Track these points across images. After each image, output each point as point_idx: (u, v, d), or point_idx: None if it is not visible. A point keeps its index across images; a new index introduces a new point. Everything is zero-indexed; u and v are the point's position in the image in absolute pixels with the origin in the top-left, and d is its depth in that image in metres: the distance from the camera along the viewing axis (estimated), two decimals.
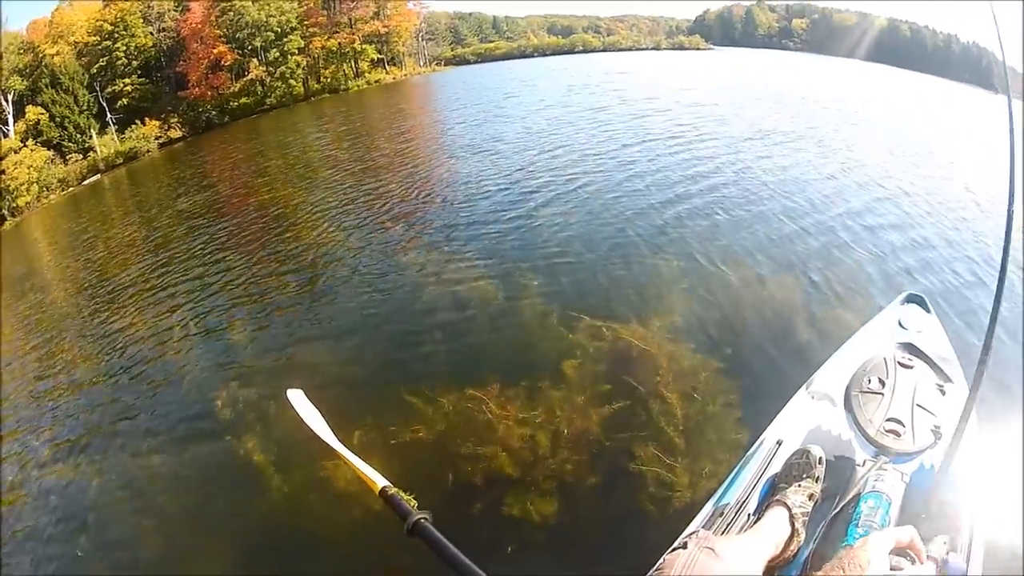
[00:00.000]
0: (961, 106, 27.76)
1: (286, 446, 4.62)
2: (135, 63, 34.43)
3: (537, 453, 3.99)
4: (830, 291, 6.09)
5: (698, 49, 57.92)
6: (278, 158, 18.71)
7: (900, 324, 3.18)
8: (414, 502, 1.47)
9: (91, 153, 28.70)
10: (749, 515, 2.13)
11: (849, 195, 9.43)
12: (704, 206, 8.75)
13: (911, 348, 2.94)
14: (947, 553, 1.80)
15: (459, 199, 10.32)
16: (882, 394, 2.58)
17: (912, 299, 3.49)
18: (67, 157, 27.90)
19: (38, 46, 31.59)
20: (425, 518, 1.37)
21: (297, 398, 2.11)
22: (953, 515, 1.91)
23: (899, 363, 2.74)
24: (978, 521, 1.99)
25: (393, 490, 1.52)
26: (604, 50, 55.74)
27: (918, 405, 2.49)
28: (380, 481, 1.57)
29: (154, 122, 31.67)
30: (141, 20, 35.24)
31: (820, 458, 2.19)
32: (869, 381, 2.66)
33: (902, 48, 59.68)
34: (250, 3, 35.61)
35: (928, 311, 3.37)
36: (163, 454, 5.09)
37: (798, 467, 2.18)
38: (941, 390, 2.61)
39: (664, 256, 7.06)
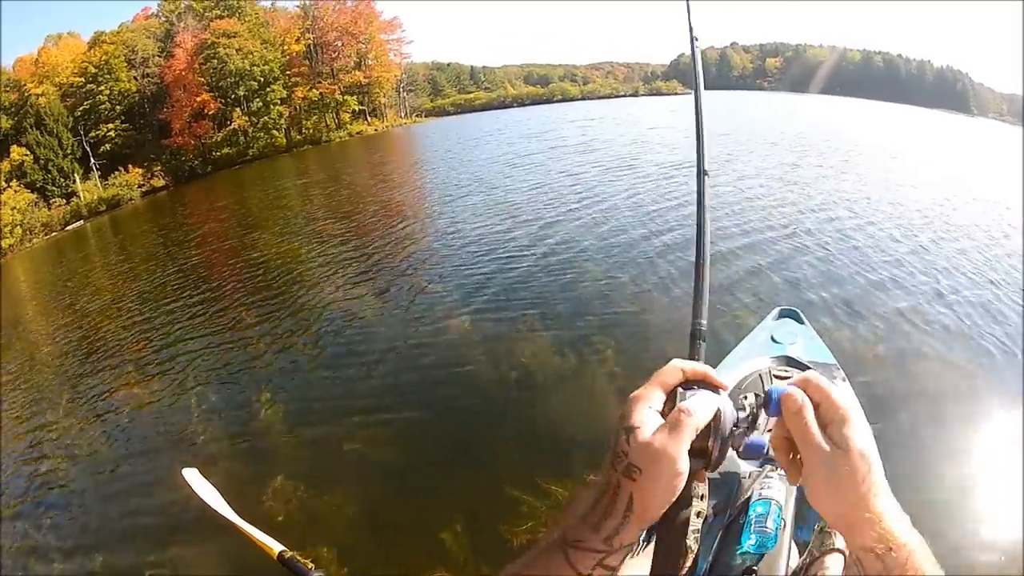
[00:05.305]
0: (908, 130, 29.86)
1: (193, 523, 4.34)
2: (119, 108, 34.99)
3: None
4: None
5: (675, 94, 58.64)
6: (266, 211, 18.79)
7: (773, 339, 3.23)
8: (311, 564, 1.50)
9: (74, 198, 28.91)
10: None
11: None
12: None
13: (788, 360, 2.92)
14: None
15: (466, 254, 10.16)
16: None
17: (785, 314, 3.55)
18: (50, 201, 28.05)
19: (24, 84, 31.94)
20: None
21: (192, 476, 2.12)
22: None
23: (775, 376, 2.69)
24: None
25: (290, 554, 1.55)
26: (583, 98, 56.73)
27: None
28: (277, 547, 1.60)
29: (137, 169, 31.98)
30: (125, 64, 35.84)
31: None
32: (745, 398, 2.93)
33: (874, 80, 61.69)
34: (234, 51, 36.34)
35: (802, 323, 3.48)
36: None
37: None
38: None
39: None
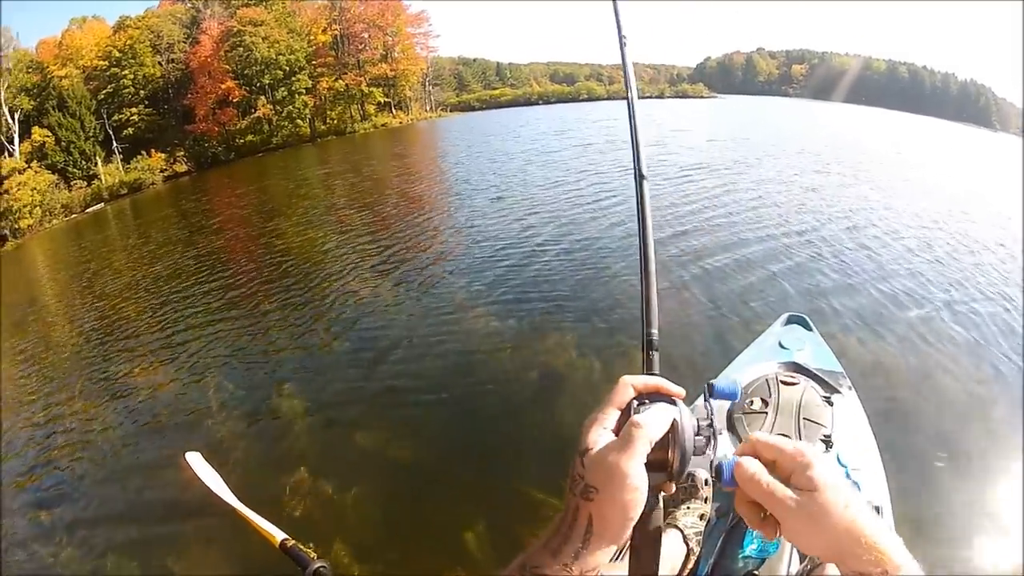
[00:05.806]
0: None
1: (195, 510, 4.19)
2: (143, 92, 34.82)
3: None
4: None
5: (701, 97, 58.44)
6: (287, 200, 18.57)
7: (781, 345, 3.29)
8: (313, 553, 1.47)
9: (95, 181, 28.71)
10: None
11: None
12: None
13: (794, 366, 3.06)
14: None
15: (482, 251, 9.97)
16: (766, 413, 2.66)
17: (793, 320, 3.63)
18: (71, 183, 27.84)
19: (47, 66, 31.81)
20: (324, 567, 1.37)
21: (195, 460, 2.08)
22: None
23: (782, 381, 2.81)
24: (886, 516, 2.08)
25: (292, 542, 1.53)
26: (608, 98, 56.10)
27: (805, 419, 2.58)
28: (279, 534, 1.58)
29: (160, 154, 31.70)
30: (150, 49, 35.67)
31: (706, 480, 2.23)
32: (751, 403, 2.74)
33: (898, 91, 61.62)
34: (260, 39, 36.10)
35: (810, 329, 3.50)
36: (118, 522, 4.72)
37: (684, 491, 2.23)
38: (828, 401, 2.72)
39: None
